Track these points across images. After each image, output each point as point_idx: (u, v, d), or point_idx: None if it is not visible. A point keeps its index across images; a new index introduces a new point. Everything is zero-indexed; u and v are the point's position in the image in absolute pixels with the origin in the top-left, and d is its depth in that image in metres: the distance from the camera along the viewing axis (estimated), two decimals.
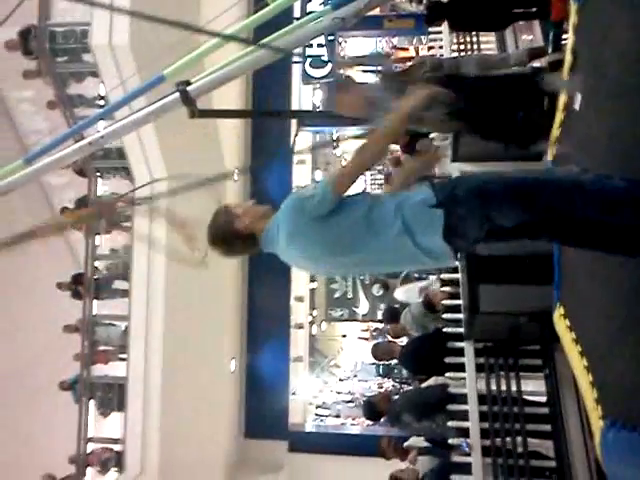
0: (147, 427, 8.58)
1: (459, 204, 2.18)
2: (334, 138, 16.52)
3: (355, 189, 2.36)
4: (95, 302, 8.96)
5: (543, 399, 4.38)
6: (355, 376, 16.67)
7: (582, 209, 2.16)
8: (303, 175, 12.99)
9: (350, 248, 2.28)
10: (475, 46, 6.56)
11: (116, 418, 9.11)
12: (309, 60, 12.67)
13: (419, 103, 2.32)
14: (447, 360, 4.62)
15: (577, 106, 3.27)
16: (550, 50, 3.94)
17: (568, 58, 3.49)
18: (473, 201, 2.18)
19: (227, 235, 2.40)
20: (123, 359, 8.71)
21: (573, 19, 3.39)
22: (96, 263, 9.09)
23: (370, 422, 8.37)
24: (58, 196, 9.77)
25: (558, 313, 3.56)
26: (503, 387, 4.37)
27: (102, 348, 8.98)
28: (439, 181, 2.32)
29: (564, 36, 3.80)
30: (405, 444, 4.77)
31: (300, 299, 13.24)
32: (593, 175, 2.26)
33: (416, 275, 12.98)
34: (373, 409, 5.01)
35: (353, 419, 13.32)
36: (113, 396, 8.81)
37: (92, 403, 8.88)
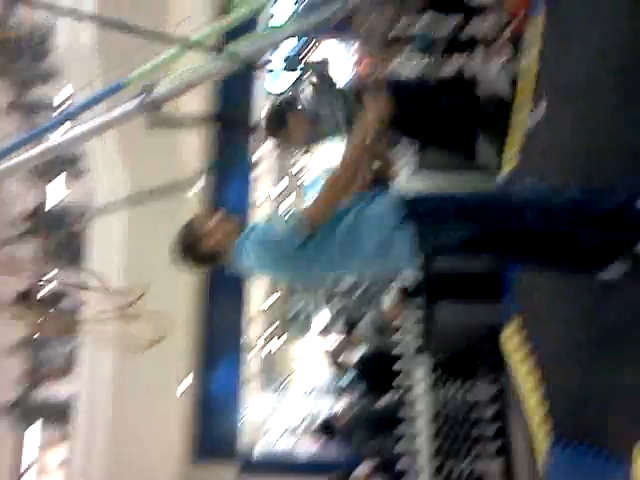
0: (91, 453, 8.27)
1: (415, 221, 2.25)
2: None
3: None
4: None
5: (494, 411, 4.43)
6: (310, 394, 16.56)
7: (531, 224, 2.23)
8: (263, 185, 12.97)
9: (316, 269, 2.36)
10: None
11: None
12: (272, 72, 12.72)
13: (372, 129, 2.28)
14: (401, 377, 4.66)
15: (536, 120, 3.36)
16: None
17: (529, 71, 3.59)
18: (426, 219, 2.26)
19: (188, 252, 2.39)
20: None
21: (534, 31, 3.50)
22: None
23: (324, 440, 8.33)
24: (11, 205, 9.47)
25: (509, 330, 3.64)
26: (456, 402, 4.42)
27: (47, 368, 8.67)
28: (396, 196, 2.35)
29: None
30: (351, 476, 4.76)
31: (255, 315, 13.12)
32: (545, 188, 2.35)
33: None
34: (330, 426, 5.01)
35: (307, 439, 13.19)
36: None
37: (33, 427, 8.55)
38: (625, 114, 2.39)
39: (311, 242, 2.23)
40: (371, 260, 2.32)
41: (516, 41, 3.87)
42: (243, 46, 2.40)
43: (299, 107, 3.05)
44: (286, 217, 2.29)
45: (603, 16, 2.65)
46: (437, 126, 3.23)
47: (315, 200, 2.29)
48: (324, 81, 2.99)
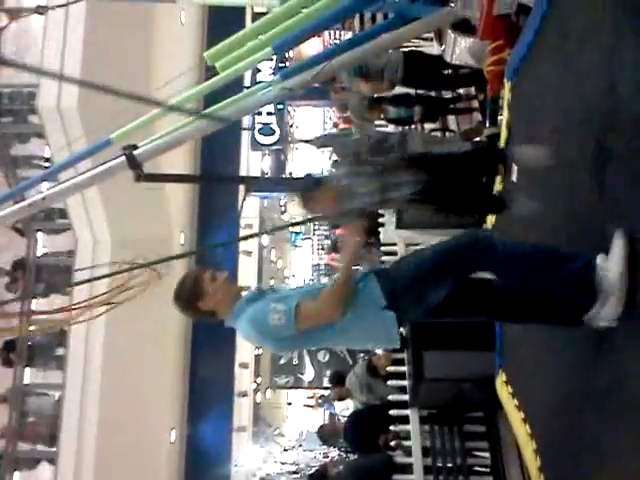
0: None
1: (399, 299, 2.34)
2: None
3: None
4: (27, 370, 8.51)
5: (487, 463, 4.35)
6: (300, 445, 16.22)
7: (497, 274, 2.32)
8: (250, 241, 13.03)
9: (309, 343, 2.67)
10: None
11: None
12: (259, 127, 12.99)
13: (356, 251, 2.47)
14: (392, 428, 4.57)
15: (514, 178, 3.44)
16: (488, 124, 4.16)
17: (504, 132, 3.69)
18: (408, 296, 2.34)
19: (187, 306, 2.46)
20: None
21: (507, 96, 3.60)
22: (30, 327, 8.66)
23: None
24: None
25: (500, 379, 3.59)
26: (448, 456, 4.32)
27: (32, 420, 8.47)
28: (382, 275, 2.39)
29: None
30: None
31: (245, 366, 12.96)
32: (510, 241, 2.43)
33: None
34: (322, 475, 4.91)
35: None
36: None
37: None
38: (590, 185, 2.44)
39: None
40: (363, 336, 2.46)
41: (495, 104, 3.97)
42: (225, 108, 2.43)
43: (334, 182, 2.99)
44: (281, 307, 2.31)
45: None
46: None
47: (309, 306, 2.33)
48: (357, 159, 2.98)
